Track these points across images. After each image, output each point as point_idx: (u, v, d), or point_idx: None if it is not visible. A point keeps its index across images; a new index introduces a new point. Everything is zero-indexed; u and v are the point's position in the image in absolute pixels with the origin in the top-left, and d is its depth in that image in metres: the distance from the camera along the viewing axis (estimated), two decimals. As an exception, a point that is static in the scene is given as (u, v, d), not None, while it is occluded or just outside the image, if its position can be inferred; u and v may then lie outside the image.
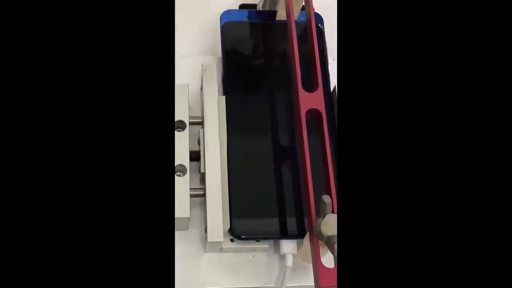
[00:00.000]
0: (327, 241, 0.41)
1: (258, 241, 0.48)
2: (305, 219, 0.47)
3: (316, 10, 0.52)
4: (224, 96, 0.50)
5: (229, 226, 0.47)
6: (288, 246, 0.48)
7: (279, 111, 0.52)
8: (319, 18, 0.55)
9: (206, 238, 0.47)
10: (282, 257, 0.48)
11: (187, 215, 0.46)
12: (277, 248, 0.49)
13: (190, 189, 0.47)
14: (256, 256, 0.49)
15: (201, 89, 0.51)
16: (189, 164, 0.48)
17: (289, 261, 0.47)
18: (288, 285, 0.48)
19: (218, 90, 0.51)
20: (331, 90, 0.53)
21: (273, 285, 0.48)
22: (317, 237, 0.42)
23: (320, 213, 0.41)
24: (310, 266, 0.45)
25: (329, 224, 0.40)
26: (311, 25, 0.49)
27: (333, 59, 0.54)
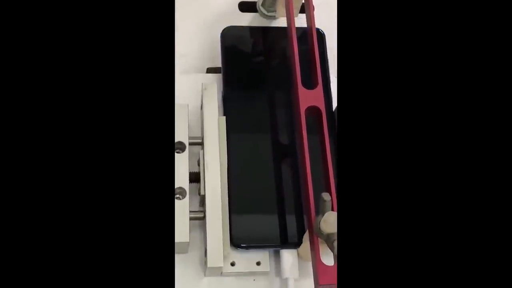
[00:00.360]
0: (327, 239, 0.40)
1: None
2: (305, 217, 0.46)
3: (315, 8, 0.51)
4: (225, 117, 0.49)
5: (228, 251, 0.46)
6: (290, 269, 0.47)
7: (278, 115, 0.51)
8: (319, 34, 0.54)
9: (206, 262, 0.46)
10: (284, 282, 0.47)
11: (187, 239, 0.45)
12: (278, 271, 0.48)
13: (190, 211, 0.46)
14: (257, 281, 0.48)
15: (201, 108, 0.50)
16: (189, 185, 0.47)
17: (291, 286, 0.46)
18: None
19: (219, 110, 0.49)
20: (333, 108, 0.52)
21: (274, 310, 0.47)
22: (317, 235, 0.41)
23: (320, 211, 0.41)
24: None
25: (329, 222, 0.40)
26: (310, 24, 0.49)
27: (334, 76, 0.53)
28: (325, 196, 0.40)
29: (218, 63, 0.53)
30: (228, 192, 0.47)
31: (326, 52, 0.54)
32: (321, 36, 0.54)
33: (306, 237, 0.45)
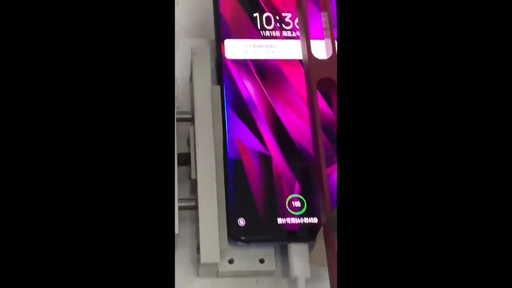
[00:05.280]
0: None
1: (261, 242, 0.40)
2: (321, 208, 0.39)
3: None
4: (219, 86, 0.42)
5: (226, 245, 0.38)
6: (300, 267, 0.39)
7: (284, 86, 0.44)
8: None
9: (198, 260, 0.38)
10: (293, 282, 0.39)
11: (176, 231, 0.37)
12: (285, 271, 0.40)
13: (179, 200, 0.39)
14: (260, 282, 0.40)
15: (191, 79, 0.42)
16: (177, 169, 0.39)
17: (302, 286, 0.39)
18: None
19: (212, 79, 0.42)
20: None
21: (281, 317, 0.40)
22: (333, 231, 0.35)
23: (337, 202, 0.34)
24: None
25: None
26: None
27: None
28: None
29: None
30: (225, 176, 0.40)
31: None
32: None
33: (319, 237, 0.37)
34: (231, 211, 0.39)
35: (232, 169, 0.40)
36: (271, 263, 0.40)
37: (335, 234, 0.35)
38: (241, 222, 0.39)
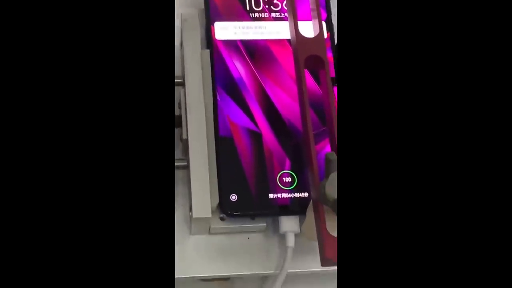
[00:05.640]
0: (333, 205, 0.34)
1: (253, 219, 0.40)
2: (310, 182, 0.39)
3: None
4: (208, 50, 0.43)
5: (217, 201, 0.39)
6: (289, 223, 0.40)
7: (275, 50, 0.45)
8: None
9: (191, 218, 0.39)
10: (282, 237, 0.40)
11: (168, 188, 0.38)
12: (276, 227, 0.41)
13: (171, 160, 0.39)
14: (251, 239, 0.41)
15: (181, 44, 0.43)
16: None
17: (291, 241, 0.40)
18: (290, 270, 0.40)
19: (201, 44, 0.43)
20: None
21: (272, 271, 0.40)
22: (322, 203, 0.35)
23: (325, 173, 0.35)
24: (316, 247, 0.37)
25: (335, 185, 0.33)
26: None
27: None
28: (331, 155, 0.34)
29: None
30: (216, 153, 0.41)
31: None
32: None
33: (309, 211, 0.38)
34: (223, 187, 0.40)
35: (224, 147, 0.41)
36: (261, 220, 0.41)
37: (323, 206, 0.36)
38: (233, 197, 0.40)
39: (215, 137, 0.41)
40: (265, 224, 0.41)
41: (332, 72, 0.43)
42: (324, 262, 0.36)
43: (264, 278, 0.42)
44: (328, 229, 0.36)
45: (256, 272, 0.41)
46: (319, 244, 0.36)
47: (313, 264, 0.40)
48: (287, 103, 0.43)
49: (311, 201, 0.38)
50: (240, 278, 0.42)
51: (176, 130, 0.42)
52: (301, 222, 0.40)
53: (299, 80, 0.41)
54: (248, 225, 0.40)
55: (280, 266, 0.40)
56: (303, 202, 0.40)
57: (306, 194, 0.41)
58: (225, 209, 0.40)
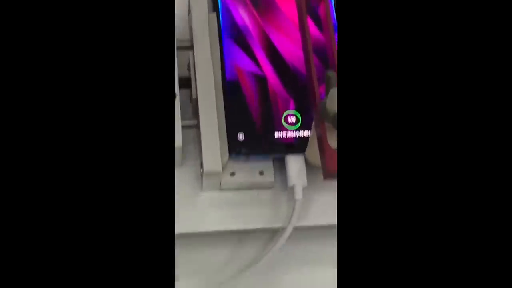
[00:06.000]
0: (334, 120, 0.35)
1: (261, 155, 0.42)
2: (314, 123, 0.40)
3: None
4: (215, 13, 0.44)
5: (227, 158, 0.41)
6: (297, 176, 0.41)
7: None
8: None
9: (202, 174, 0.41)
10: (291, 191, 0.42)
11: (179, 143, 0.40)
12: (284, 184, 0.43)
13: (182, 120, 0.41)
14: (260, 194, 0.43)
15: (188, 11, 0.45)
16: (180, 92, 0.42)
17: (299, 194, 0.41)
18: (297, 224, 0.41)
19: (208, 8, 0.45)
20: None
21: (280, 225, 0.42)
22: (324, 119, 0.36)
23: (326, 91, 0.36)
24: (324, 202, 0.38)
25: (335, 99, 0.35)
26: None
27: None
28: (330, 73, 0.36)
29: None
30: (224, 96, 0.42)
31: None
32: None
33: (312, 138, 0.39)
34: (231, 127, 0.42)
35: (230, 90, 0.43)
36: (270, 175, 0.42)
37: (324, 123, 0.37)
38: (240, 136, 0.42)
39: (222, 81, 0.43)
40: (273, 179, 0.42)
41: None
42: (326, 176, 0.36)
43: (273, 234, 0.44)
44: (330, 145, 0.36)
45: (265, 226, 0.42)
46: (321, 159, 0.37)
47: (322, 219, 0.41)
48: (290, 49, 0.45)
49: (313, 123, 0.39)
50: (249, 233, 0.44)
51: (186, 91, 0.43)
52: (308, 179, 0.42)
53: (302, 25, 0.41)
54: (257, 180, 0.42)
55: (288, 220, 0.42)
56: (307, 141, 0.41)
57: (310, 133, 0.42)
58: (232, 148, 0.41)
